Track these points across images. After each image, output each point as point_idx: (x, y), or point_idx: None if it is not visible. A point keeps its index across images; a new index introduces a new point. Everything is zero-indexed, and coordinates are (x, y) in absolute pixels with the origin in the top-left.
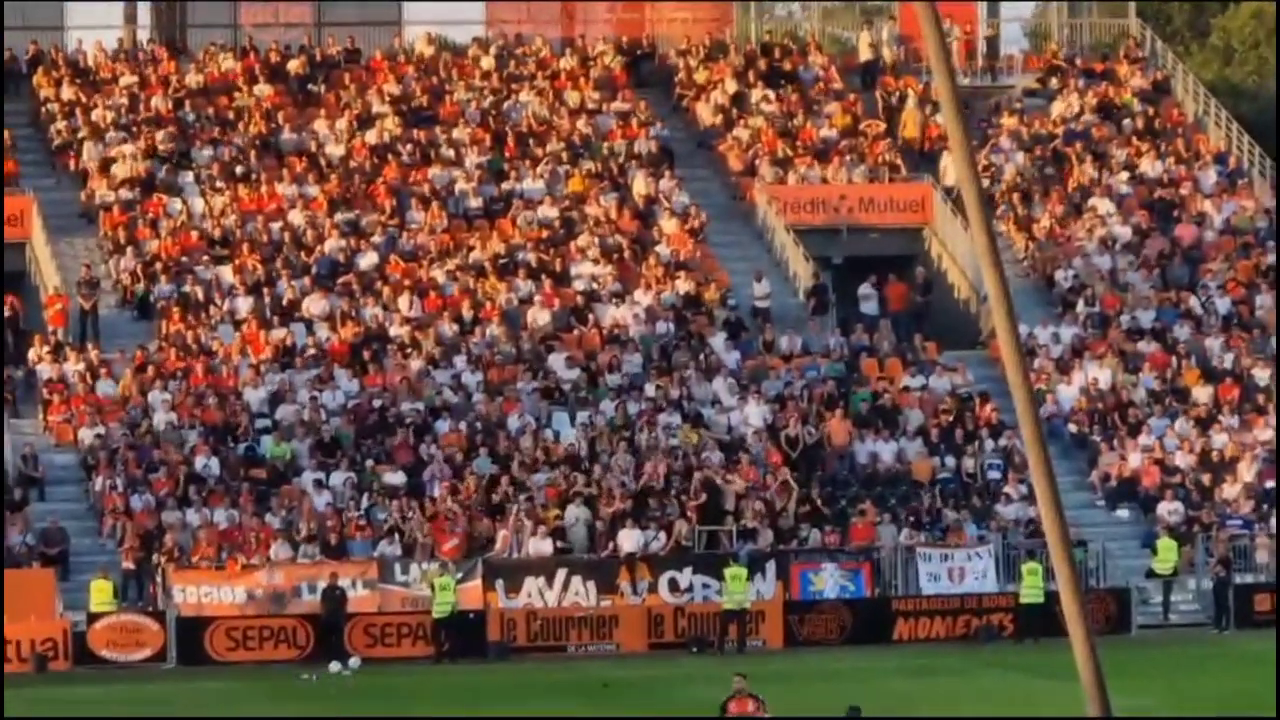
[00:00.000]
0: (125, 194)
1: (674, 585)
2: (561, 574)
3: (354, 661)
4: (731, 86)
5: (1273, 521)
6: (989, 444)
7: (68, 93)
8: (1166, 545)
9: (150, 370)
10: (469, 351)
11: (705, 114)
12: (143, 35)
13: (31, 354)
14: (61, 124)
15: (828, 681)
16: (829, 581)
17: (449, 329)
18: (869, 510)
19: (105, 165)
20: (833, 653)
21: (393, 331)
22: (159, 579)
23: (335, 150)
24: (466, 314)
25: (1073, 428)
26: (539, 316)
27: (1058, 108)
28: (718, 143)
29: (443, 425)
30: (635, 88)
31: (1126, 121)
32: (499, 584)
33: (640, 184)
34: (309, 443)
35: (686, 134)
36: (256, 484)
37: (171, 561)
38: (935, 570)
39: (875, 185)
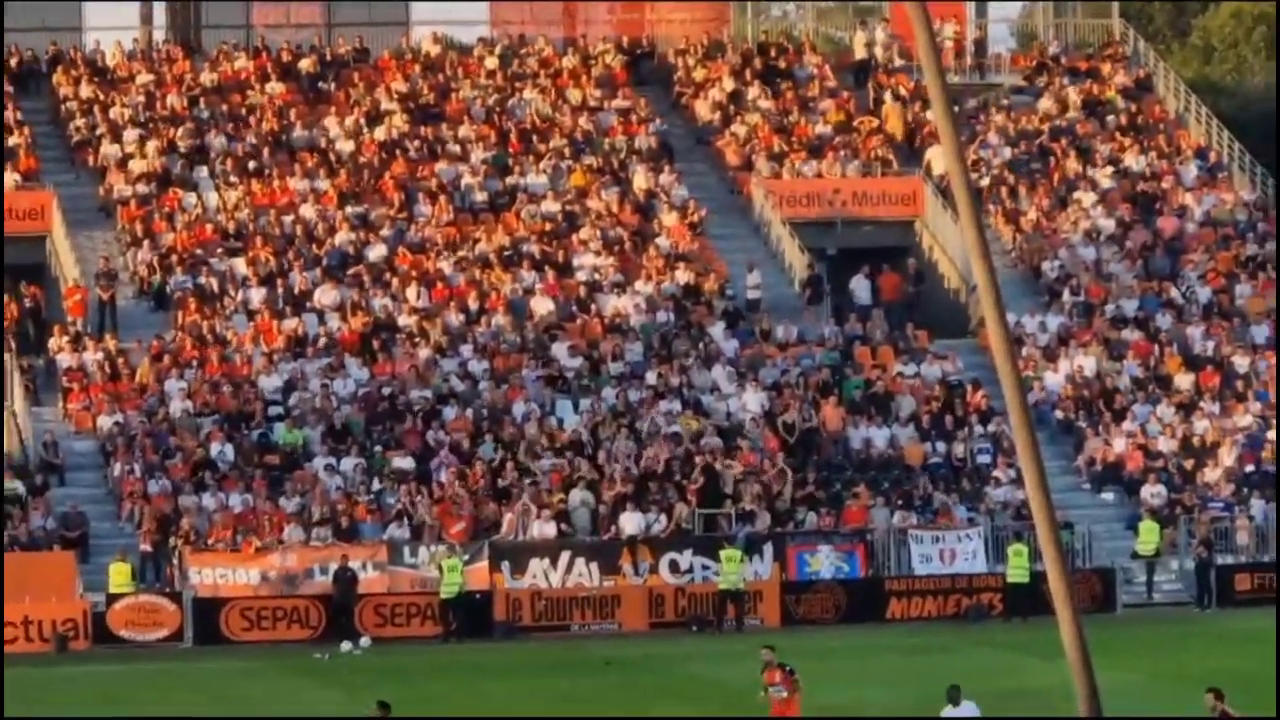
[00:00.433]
0: (142, 189)
1: (674, 566)
2: (565, 556)
3: (364, 641)
4: (729, 84)
5: (1253, 504)
6: (978, 429)
7: (86, 91)
8: (1149, 527)
9: (166, 359)
10: (475, 340)
11: (703, 111)
12: (158, 35)
13: (52, 343)
14: (80, 121)
15: (823, 659)
16: (824, 563)
17: (456, 319)
18: (863, 494)
19: (123, 161)
20: (828, 631)
21: (401, 321)
22: (176, 561)
23: (345, 146)
24: (473, 304)
25: (1059, 414)
26: (543, 306)
27: (1044, 104)
28: (715, 138)
29: (450, 412)
30: (635, 86)
31: (1110, 118)
32: (505, 565)
33: (640, 178)
34: (320, 429)
35: (685, 130)
36: (270, 469)
37: (188, 544)
38: (927, 551)
39: (868, 179)
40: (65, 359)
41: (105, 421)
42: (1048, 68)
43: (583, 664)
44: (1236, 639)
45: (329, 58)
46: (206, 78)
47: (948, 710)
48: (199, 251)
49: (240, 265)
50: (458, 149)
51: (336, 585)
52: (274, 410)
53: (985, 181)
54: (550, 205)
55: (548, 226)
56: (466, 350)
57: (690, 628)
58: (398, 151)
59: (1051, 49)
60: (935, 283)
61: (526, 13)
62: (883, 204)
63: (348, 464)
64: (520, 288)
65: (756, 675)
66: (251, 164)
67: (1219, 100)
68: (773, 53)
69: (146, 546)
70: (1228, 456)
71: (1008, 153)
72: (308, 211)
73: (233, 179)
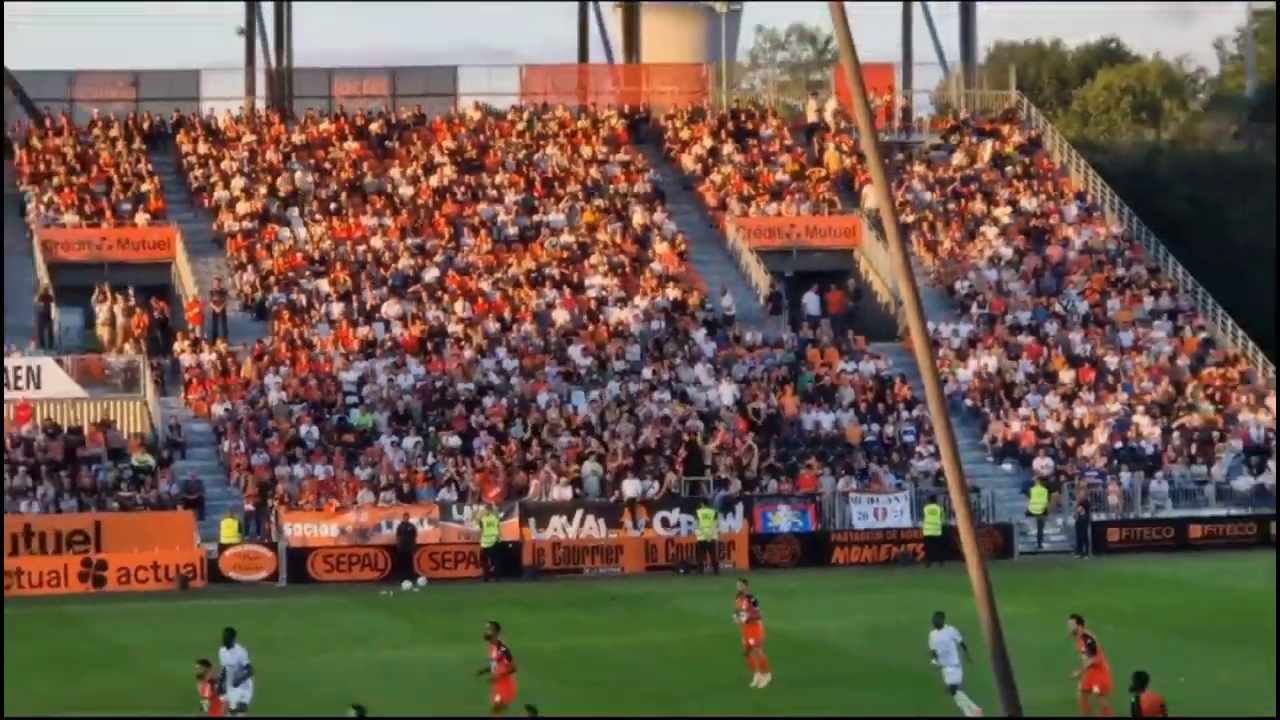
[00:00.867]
0: (247, 225)
1: (665, 522)
2: (579, 514)
3: (421, 581)
4: (708, 142)
5: (1121, 473)
6: (904, 414)
7: (203, 148)
8: (1039, 491)
9: (266, 359)
10: (508, 344)
11: (688, 163)
12: (259, 104)
13: (176, 347)
14: (198, 172)
15: (784, 597)
16: (783, 519)
17: (493, 327)
18: (814, 465)
19: (231, 203)
20: (787, 574)
21: (450, 328)
22: (273, 518)
23: (406, 191)
24: (506, 315)
25: (969, 402)
26: (561, 317)
27: (956, 158)
28: (698, 185)
29: (488, 400)
30: (634, 143)
31: (1009, 168)
32: (531, 521)
33: (638, 216)
34: (387, 414)
35: (674, 178)
36: (347, 446)
37: (282, 505)
38: (864, 510)
39: (817, 217)
40: (186, 359)
41: (217, 408)
42: (959, 129)
43: (593, 599)
44: (1108, 580)
45: (393, 121)
46: (297, 137)
47: (933, 633)
48: (291, 274)
49: (324, 285)
50: (494, 193)
51: (399, 537)
52: (350, 399)
53: (910, 218)
54: (567, 237)
55: (565, 254)
56: (501, 352)
57: (678, 570)
58: (447, 195)
59: (962, 114)
60: (870, 298)
61: (549, 85)
62: (829, 236)
63: (408, 441)
64: (544, 302)
65: (732, 605)
66: (332, 205)
67: (1094, 155)
68: (742, 117)
69: (250, 507)
70: (1101, 435)
71: (928, 195)
72: (376, 242)
73: (317, 217)
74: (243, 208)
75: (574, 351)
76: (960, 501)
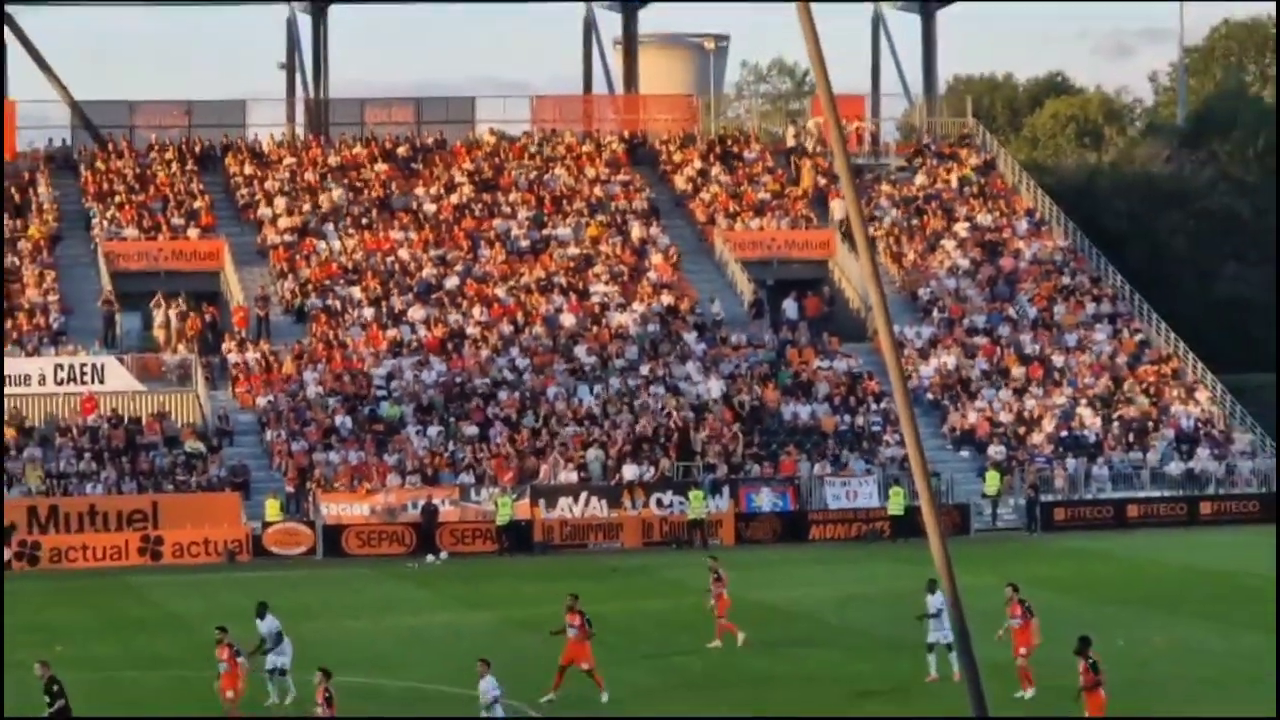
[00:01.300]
0: (288, 238)
1: (660, 503)
2: (584, 495)
3: (443, 555)
4: (698, 164)
5: (1067, 459)
6: (873, 406)
7: (249, 169)
8: (993, 475)
9: (304, 357)
10: (520, 344)
11: (680, 183)
12: (299, 130)
13: (224, 346)
14: (244, 191)
15: (766, 569)
16: (766, 500)
17: (507, 329)
18: (792, 451)
19: (274, 219)
20: (768, 549)
21: (469, 330)
22: (311, 499)
23: (430, 208)
24: (519, 319)
25: (930, 395)
26: (568, 320)
27: (919, 179)
28: (689, 202)
29: (503, 394)
30: (632, 165)
31: (966, 188)
32: (541, 502)
33: (636, 231)
34: (412, 406)
35: (668, 196)
36: (377, 434)
37: (319, 487)
38: (837, 492)
39: (796, 231)
40: (234, 357)
41: (261, 401)
42: (922, 153)
43: (596, 571)
44: (1055, 554)
45: (418, 145)
46: (332, 159)
47: (929, 597)
48: (327, 282)
49: (356, 292)
50: (508, 209)
51: (423, 516)
52: (380, 392)
53: (878, 232)
54: (573, 249)
55: (571, 264)
56: (514, 351)
57: (671, 546)
58: (466, 211)
59: (925, 139)
60: (842, 304)
61: (557, 113)
62: (806, 248)
63: (431, 431)
64: (552, 307)
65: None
66: (364, 220)
67: (1042, 176)
68: (729, 142)
69: (290, 488)
70: (1048, 425)
71: (894, 212)
72: (403, 254)
73: (350, 231)
74: (284, 223)
75: (579, 351)
76: (923, 484)
